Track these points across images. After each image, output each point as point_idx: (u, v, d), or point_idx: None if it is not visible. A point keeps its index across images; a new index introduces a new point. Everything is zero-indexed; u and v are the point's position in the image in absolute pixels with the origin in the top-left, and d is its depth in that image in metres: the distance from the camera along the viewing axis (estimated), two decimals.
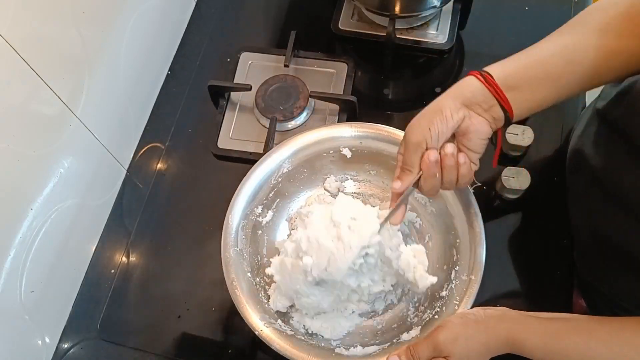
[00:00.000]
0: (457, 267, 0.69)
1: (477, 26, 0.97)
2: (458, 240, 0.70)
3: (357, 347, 0.67)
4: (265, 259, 0.75)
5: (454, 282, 0.68)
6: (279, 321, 0.68)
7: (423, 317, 0.69)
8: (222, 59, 0.96)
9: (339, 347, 0.67)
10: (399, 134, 0.74)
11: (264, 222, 0.76)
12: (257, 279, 0.72)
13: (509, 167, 0.78)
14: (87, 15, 0.71)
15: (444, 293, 0.68)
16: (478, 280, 0.65)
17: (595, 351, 0.54)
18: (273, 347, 0.64)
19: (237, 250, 0.70)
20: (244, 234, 0.72)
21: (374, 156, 0.77)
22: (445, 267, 0.71)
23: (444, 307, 0.66)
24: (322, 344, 0.68)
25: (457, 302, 0.65)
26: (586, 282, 0.74)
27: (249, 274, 0.70)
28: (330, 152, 0.77)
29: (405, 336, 0.66)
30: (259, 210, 0.75)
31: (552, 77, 0.59)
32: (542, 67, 0.58)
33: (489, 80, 0.58)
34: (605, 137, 0.66)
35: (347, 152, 0.77)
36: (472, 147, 0.60)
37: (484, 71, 0.59)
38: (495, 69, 0.59)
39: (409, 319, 0.71)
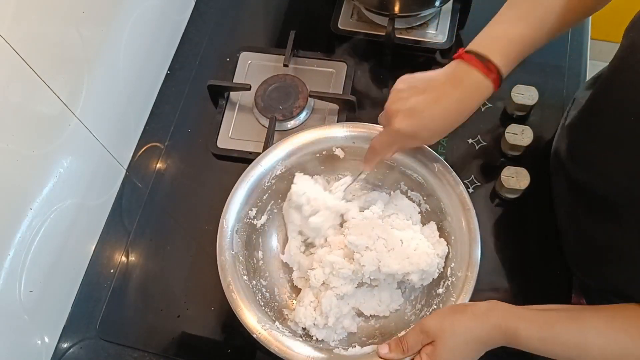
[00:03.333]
0: (453, 264, 0.69)
1: (476, 26, 0.95)
2: (453, 238, 0.70)
3: (355, 346, 0.67)
4: (261, 262, 0.75)
5: (450, 279, 0.68)
6: (277, 323, 0.68)
7: (420, 315, 0.69)
8: (221, 59, 0.96)
9: (337, 347, 0.67)
10: None
11: (258, 225, 0.76)
12: (254, 282, 0.72)
13: (508, 167, 0.78)
14: (87, 15, 0.71)
15: (440, 290, 0.68)
16: (474, 276, 0.65)
17: (589, 338, 0.54)
18: (271, 349, 0.64)
19: (233, 253, 0.70)
20: (239, 237, 0.72)
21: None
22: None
23: (440, 304, 0.67)
24: (321, 345, 0.68)
25: (454, 299, 0.65)
26: (582, 280, 0.74)
27: (245, 277, 0.70)
28: (324, 152, 0.76)
29: (403, 334, 0.66)
30: (253, 213, 0.75)
31: (537, 42, 0.62)
32: (529, 39, 0.61)
33: (498, 84, 0.61)
34: (577, 144, 0.68)
35: (339, 153, 0.76)
36: None
37: (495, 69, 0.60)
38: (501, 62, 0.60)
39: (406, 317, 0.71)
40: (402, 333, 0.66)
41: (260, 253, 0.76)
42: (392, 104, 0.64)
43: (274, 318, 0.69)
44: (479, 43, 0.62)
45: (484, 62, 0.59)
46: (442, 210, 0.71)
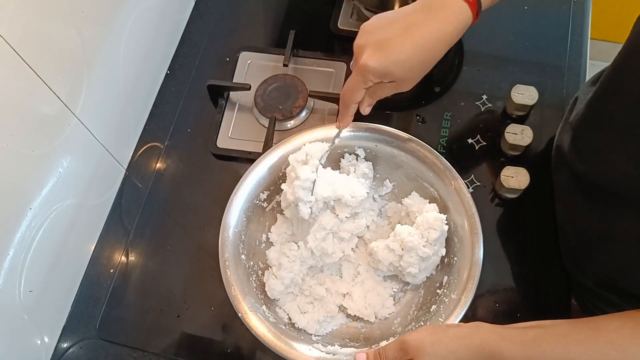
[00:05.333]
0: (449, 285, 0.68)
1: (476, 25, 0.95)
2: (455, 259, 0.69)
3: (335, 345, 0.67)
4: (263, 245, 0.75)
5: (444, 299, 0.67)
6: (264, 307, 0.68)
7: (407, 328, 0.68)
8: (221, 59, 0.96)
9: (318, 342, 0.67)
10: (417, 141, 0.73)
11: (267, 209, 0.76)
12: (251, 263, 0.72)
13: (507, 167, 0.78)
14: (86, 14, 0.71)
15: (433, 308, 0.68)
16: (467, 301, 0.65)
17: (575, 354, 0.53)
18: (253, 332, 0.64)
19: (236, 231, 0.70)
20: (246, 217, 0.72)
21: (388, 159, 0.76)
22: (437, 283, 0.70)
23: (428, 322, 0.66)
24: (302, 337, 0.68)
25: (443, 320, 0.64)
26: (575, 279, 0.74)
27: (243, 257, 0.70)
28: (345, 149, 0.76)
29: (383, 344, 0.65)
30: (264, 196, 0.75)
31: None
32: None
33: (478, 14, 0.58)
34: (582, 135, 0.67)
35: (361, 153, 0.76)
36: None
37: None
38: None
39: (393, 327, 0.70)
40: (384, 343, 0.65)
41: (263, 236, 0.76)
42: (359, 38, 0.58)
43: (263, 302, 0.69)
44: None
45: None
46: (451, 229, 0.70)
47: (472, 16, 0.56)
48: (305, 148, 0.71)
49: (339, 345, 0.67)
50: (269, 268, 0.73)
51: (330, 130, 0.74)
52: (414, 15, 0.56)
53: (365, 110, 0.65)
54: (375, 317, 0.72)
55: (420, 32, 0.56)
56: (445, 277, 0.69)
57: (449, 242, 0.70)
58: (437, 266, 0.71)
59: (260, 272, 0.73)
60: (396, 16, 0.57)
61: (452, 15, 0.56)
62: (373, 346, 0.66)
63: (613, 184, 0.60)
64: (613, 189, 0.60)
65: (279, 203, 0.76)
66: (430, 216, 0.69)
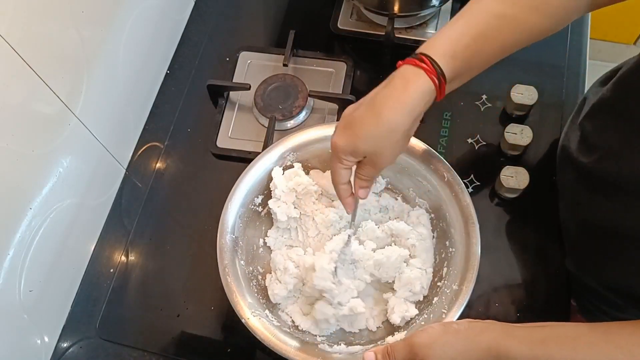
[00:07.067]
0: (449, 275, 0.68)
1: None
2: (453, 250, 0.69)
3: (340, 344, 0.67)
4: (261, 249, 0.76)
5: (445, 290, 0.67)
6: (267, 311, 0.68)
7: (410, 322, 0.68)
8: (221, 59, 0.96)
9: (323, 343, 0.67)
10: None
11: (262, 213, 0.76)
12: (250, 268, 0.72)
13: (507, 167, 0.78)
14: (86, 14, 0.71)
15: (435, 300, 0.68)
16: (468, 291, 0.65)
17: (582, 356, 0.53)
18: (257, 337, 0.64)
19: (233, 237, 0.70)
20: (242, 223, 0.72)
21: None
22: (437, 276, 0.71)
23: (431, 314, 0.66)
24: (307, 339, 0.68)
25: (446, 311, 0.65)
26: (577, 280, 0.74)
27: (242, 262, 0.71)
28: None
29: (389, 339, 0.66)
30: (259, 200, 0.75)
31: (490, 54, 0.58)
32: (482, 46, 0.57)
33: (442, 87, 0.56)
34: (593, 133, 0.67)
35: None
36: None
37: (438, 69, 0.55)
38: (447, 65, 0.56)
39: (395, 324, 0.70)
40: (389, 338, 0.66)
41: (260, 241, 0.76)
42: (338, 122, 0.60)
43: (265, 306, 0.69)
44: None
45: (415, 56, 0.56)
46: (447, 221, 0.71)
47: (434, 86, 0.56)
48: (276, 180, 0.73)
49: (345, 344, 0.67)
50: (271, 272, 0.73)
51: (318, 131, 0.75)
52: (378, 91, 0.57)
53: (360, 193, 0.64)
54: (376, 327, 0.71)
55: (380, 104, 0.56)
56: (445, 269, 0.69)
57: (446, 234, 0.71)
58: (436, 259, 0.72)
59: (260, 277, 0.73)
60: (365, 96, 0.58)
61: (411, 84, 0.56)
62: (379, 342, 0.66)
63: (625, 179, 0.59)
64: (625, 185, 0.59)
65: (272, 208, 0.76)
66: (412, 275, 0.69)
